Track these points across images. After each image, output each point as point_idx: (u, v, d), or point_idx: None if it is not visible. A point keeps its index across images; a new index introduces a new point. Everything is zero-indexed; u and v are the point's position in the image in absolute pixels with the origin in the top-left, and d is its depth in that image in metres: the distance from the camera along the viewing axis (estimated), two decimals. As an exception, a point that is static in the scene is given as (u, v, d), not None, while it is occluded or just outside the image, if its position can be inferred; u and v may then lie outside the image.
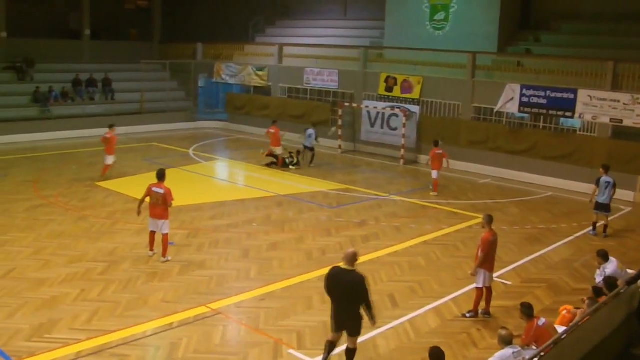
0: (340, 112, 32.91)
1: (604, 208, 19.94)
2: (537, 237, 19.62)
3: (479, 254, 13.15)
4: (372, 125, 32.80)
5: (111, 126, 25.51)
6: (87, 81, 38.01)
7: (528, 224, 20.96)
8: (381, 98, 32.61)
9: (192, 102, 42.70)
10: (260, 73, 38.71)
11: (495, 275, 14.42)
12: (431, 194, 24.65)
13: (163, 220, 15.99)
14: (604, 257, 13.06)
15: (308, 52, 37.38)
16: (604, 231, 20.02)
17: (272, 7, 46.38)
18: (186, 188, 24.65)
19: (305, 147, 29.20)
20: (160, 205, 15.89)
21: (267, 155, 28.94)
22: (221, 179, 28.13)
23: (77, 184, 23.90)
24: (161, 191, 15.92)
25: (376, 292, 13.77)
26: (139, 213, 16.34)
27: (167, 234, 16.05)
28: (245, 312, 13.09)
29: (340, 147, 32.93)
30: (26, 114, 34.38)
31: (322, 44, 37.74)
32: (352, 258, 10.30)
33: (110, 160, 24.93)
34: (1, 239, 17.19)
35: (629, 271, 12.86)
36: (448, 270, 15.87)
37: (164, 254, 15.98)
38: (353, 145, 33.55)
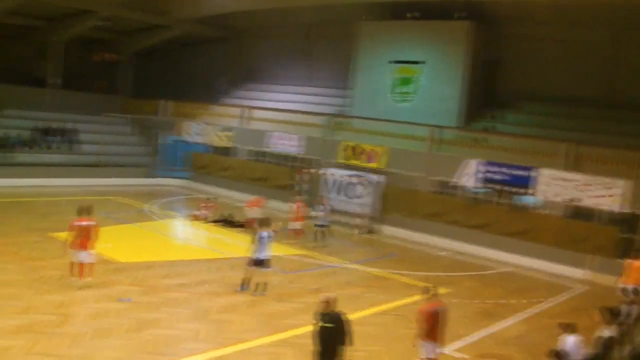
0: (300, 177, 33.01)
1: (262, 264, 18.68)
2: (490, 311, 19.69)
3: (419, 325, 13.12)
4: (334, 192, 32.93)
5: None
6: (49, 130, 37.74)
7: (482, 299, 21.05)
8: (343, 166, 32.84)
9: (154, 158, 42.53)
10: (224, 134, 38.81)
11: (451, 348, 14.47)
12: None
13: (88, 251, 17.38)
14: (565, 328, 13.09)
15: (273, 116, 37.66)
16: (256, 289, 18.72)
17: (239, 70, 46.79)
18: (141, 245, 24.45)
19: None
20: (85, 237, 17.31)
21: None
22: (177, 237, 27.87)
23: (30, 234, 23.49)
24: (89, 224, 17.42)
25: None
26: (66, 252, 17.54)
27: (92, 263, 17.52)
28: (196, 374, 12.86)
29: (299, 212, 32.99)
30: (-16, 159, 33.93)
31: (287, 109, 38.09)
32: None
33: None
34: (-52, 285, 16.74)
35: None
36: (400, 342, 15.71)
37: (90, 274, 17.51)
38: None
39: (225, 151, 39.48)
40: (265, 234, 18.73)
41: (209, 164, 39.71)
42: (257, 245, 18.56)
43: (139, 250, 23.20)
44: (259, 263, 18.63)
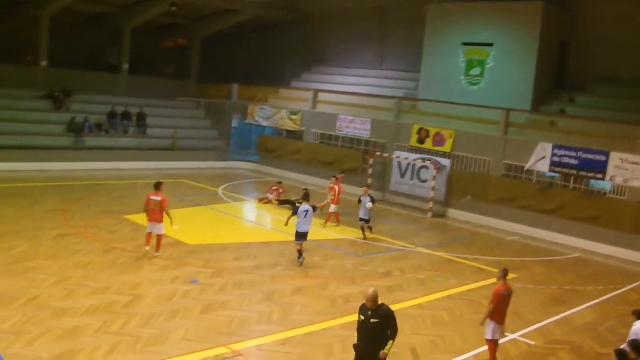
0: (371, 161, 32.96)
1: (300, 236, 19.92)
2: (561, 298, 19.36)
3: (489, 305, 13.15)
4: (402, 175, 32.80)
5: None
6: (122, 114, 38.59)
7: (553, 284, 20.72)
8: (412, 149, 32.67)
9: (224, 141, 43.09)
10: (293, 117, 39.01)
11: (518, 333, 14.35)
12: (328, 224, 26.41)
13: (159, 224, 19.20)
14: (637, 315, 12.82)
15: (342, 99, 37.62)
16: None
17: (308, 53, 46.83)
18: (213, 227, 24.81)
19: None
20: (157, 210, 19.10)
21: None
22: (248, 220, 28.18)
23: (105, 216, 24.13)
24: (158, 198, 19.17)
25: (397, 345, 13.60)
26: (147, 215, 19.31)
27: (161, 235, 19.32)
28: (266, 356, 13.00)
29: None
30: (60, 143, 34.92)
31: (356, 92, 38.00)
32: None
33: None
34: (26, 265, 17.28)
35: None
36: (471, 326, 15.55)
37: (157, 250, 19.26)
38: (382, 194, 33.49)
39: (294, 134, 39.65)
40: (303, 208, 19.90)
41: (278, 147, 39.93)
42: (297, 218, 19.83)
43: (212, 233, 23.57)
44: (298, 235, 19.93)
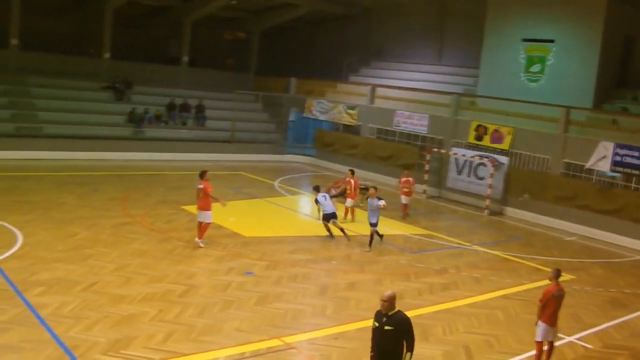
0: (428, 157, 32.72)
1: (331, 217, 22.25)
2: (622, 301, 18.84)
3: (538, 303, 12.95)
4: (459, 172, 32.48)
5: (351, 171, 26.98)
6: (181, 106, 39.08)
7: (613, 287, 20.25)
8: (470, 146, 32.31)
9: (282, 135, 43.22)
10: (351, 112, 38.95)
11: (575, 336, 14.07)
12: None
13: (204, 212, 19.43)
14: None
15: (400, 95, 37.38)
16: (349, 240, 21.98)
17: (367, 48, 46.67)
18: (269, 220, 24.92)
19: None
20: (201, 198, 19.42)
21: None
22: (304, 213, 28.22)
23: (163, 206, 24.49)
24: (200, 187, 19.47)
25: (451, 343, 13.64)
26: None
27: (207, 223, 19.52)
28: (318, 349, 13.00)
29: (425, 191, 32.65)
30: (120, 133, 35.62)
31: (414, 88, 37.68)
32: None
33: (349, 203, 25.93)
34: (87, 252, 17.68)
35: None
36: (526, 327, 15.24)
37: (200, 236, 19.47)
38: (438, 191, 33.25)
39: (351, 129, 39.56)
40: (321, 194, 22.89)
41: (335, 142, 39.88)
42: (321, 205, 22.47)
43: (268, 225, 23.68)
44: (328, 217, 22.20)
